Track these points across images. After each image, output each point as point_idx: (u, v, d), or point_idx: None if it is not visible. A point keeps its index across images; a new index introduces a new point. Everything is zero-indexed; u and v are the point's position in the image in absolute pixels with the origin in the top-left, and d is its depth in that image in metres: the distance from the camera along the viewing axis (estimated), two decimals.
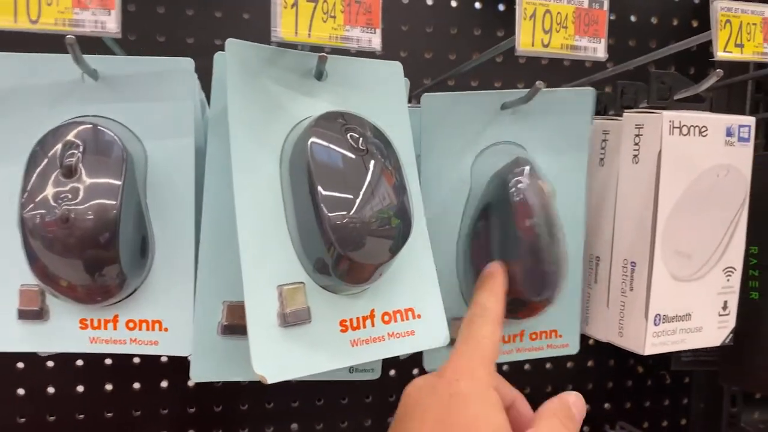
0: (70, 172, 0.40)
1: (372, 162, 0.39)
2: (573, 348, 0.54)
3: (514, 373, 0.80)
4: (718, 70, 0.47)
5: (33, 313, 0.43)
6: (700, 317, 0.51)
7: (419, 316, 0.43)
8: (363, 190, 0.38)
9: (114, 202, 0.40)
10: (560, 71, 0.77)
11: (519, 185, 0.44)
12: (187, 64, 0.43)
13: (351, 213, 0.37)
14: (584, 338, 0.82)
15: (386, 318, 0.42)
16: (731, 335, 0.53)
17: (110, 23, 0.35)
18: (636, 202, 0.50)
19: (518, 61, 0.76)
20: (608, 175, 0.53)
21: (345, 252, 0.37)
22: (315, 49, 0.41)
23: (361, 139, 0.40)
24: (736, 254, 0.52)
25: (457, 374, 0.36)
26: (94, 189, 0.40)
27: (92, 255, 0.41)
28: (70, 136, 0.41)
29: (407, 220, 0.40)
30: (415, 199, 0.44)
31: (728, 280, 0.52)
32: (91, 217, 0.40)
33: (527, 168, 0.45)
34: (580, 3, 0.41)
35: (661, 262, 0.49)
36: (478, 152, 0.50)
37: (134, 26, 0.65)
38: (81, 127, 0.41)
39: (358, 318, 0.41)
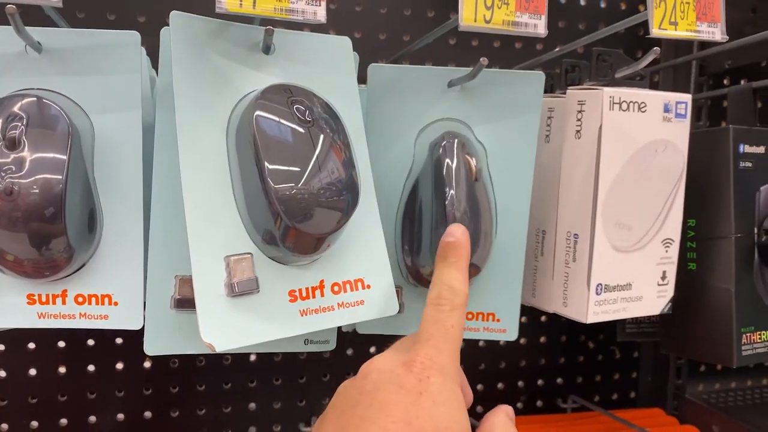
0: (13, 145, 0.40)
1: (318, 134, 0.40)
2: (511, 334, 0.54)
3: (466, 348, 0.82)
4: (655, 48, 0.49)
5: None
6: (640, 287, 0.53)
7: (369, 287, 0.44)
8: (309, 162, 0.39)
9: (59, 176, 0.40)
10: (512, 53, 0.78)
11: (441, 158, 0.46)
12: (133, 36, 0.43)
13: (297, 185, 0.38)
14: (537, 315, 0.85)
15: (336, 288, 0.43)
16: (670, 304, 0.55)
17: None
18: (578, 176, 0.51)
19: (471, 44, 0.77)
20: (553, 151, 0.54)
21: (291, 223, 0.38)
22: (264, 22, 0.42)
23: (307, 111, 0.40)
24: (674, 226, 0.54)
25: (427, 369, 0.34)
26: (39, 162, 0.40)
27: (38, 228, 0.40)
28: (14, 108, 0.40)
29: (354, 192, 0.40)
30: (364, 171, 0.45)
31: (667, 251, 0.54)
32: (36, 190, 0.40)
33: (455, 142, 0.46)
34: None
35: (602, 233, 0.50)
36: (422, 127, 0.51)
37: (83, 4, 0.64)
38: (24, 100, 0.41)
39: (307, 288, 0.42)
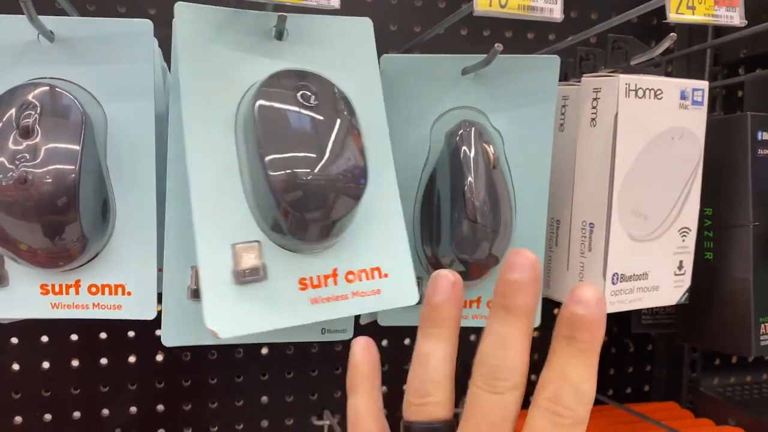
0: (27, 133, 0.40)
1: (323, 120, 0.40)
2: (535, 320, 0.54)
3: (478, 338, 0.81)
4: (672, 33, 0.48)
5: None
6: (657, 276, 0.53)
7: (386, 275, 0.43)
8: (311, 148, 0.39)
9: (73, 166, 0.40)
10: (524, 43, 0.78)
11: (459, 146, 0.46)
12: (145, 25, 0.43)
13: (297, 172, 0.38)
14: (550, 307, 0.84)
15: (350, 277, 0.42)
16: (687, 294, 0.54)
17: None
18: (594, 164, 0.51)
19: (483, 34, 0.76)
20: (568, 139, 0.54)
21: (292, 210, 0.38)
22: (278, 8, 0.41)
23: (312, 96, 0.40)
24: (690, 215, 0.53)
25: None
26: (52, 151, 0.40)
27: (52, 218, 0.40)
28: (27, 97, 0.40)
29: (360, 178, 0.40)
30: (384, 157, 0.44)
31: (683, 240, 0.53)
32: (50, 179, 0.40)
33: (472, 130, 0.46)
34: None
35: (618, 222, 0.50)
36: (437, 116, 0.51)
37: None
38: (38, 89, 0.41)
39: (318, 276, 0.41)
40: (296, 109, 0.40)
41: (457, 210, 0.46)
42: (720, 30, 0.46)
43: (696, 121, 0.52)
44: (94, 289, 0.44)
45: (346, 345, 0.70)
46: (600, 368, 0.78)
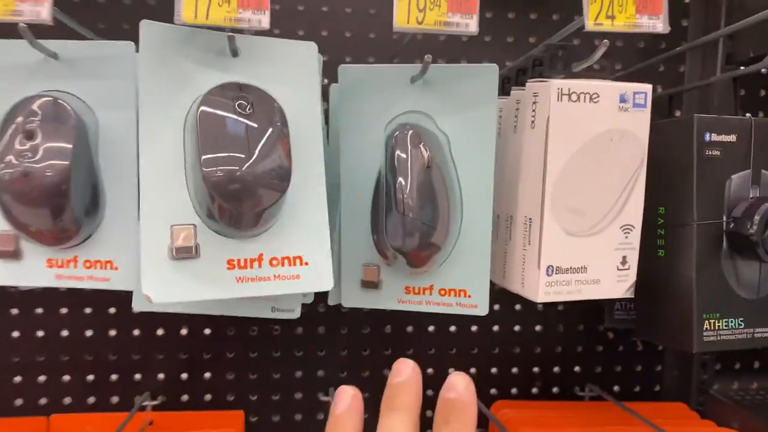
0: (30, 136, 0.50)
1: (254, 126, 0.47)
2: (482, 309, 0.58)
3: (481, 330, 0.85)
4: (605, 40, 0.51)
5: (9, 253, 0.53)
6: (597, 270, 0.55)
7: (307, 264, 0.50)
8: (242, 150, 0.46)
9: (66, 162, 0.50)
10: (548, 24, 0.80)
11: (394, 148, 0.51)
12: (128, 47, 0.52)
13: (227, 169, 0.45)
14: (554, 303, 0.86)
15: (274, 262, 0.49)
16: (632, 288, 0.56)
17: (44, 13, 0.43)
18: (532, 163, 0.55)
19: (508, 17, 0.80)
20: (519, 140, 0.58)
21: (220, 201, 0.45)
22: (236, 30, 0.49)
23: (249, 106, 0.47)
24: (634, 213, 0.55)
25: None
26: (49, 150, 0.50)
27: (49, 204, 0.50)
28: (32, 107, 0.50)
29: (282, 177, 0.47)
30: (315, 162, 0.51)
31: (626, 236, 0.56)
32: (48, 172, 0.49)
33: (408, 133, 0.51)
34: None
35: (551, 218, 0.53)
36: (389, 119, 0.56)
37: (104, 16, 0.74)
38: (41, 100, 0.51)
39: (246, 259, 0.49)
40: (233, 116, 0.47)
41: (390, 205, 0.52)
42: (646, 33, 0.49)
43: (638, 123, 0.54)
44: (88, 264, 0.54)
45: (352, 330, 0.77)
46: (606, 365, 0.80)
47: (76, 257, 0.54)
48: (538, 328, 0.88)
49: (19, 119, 0.50)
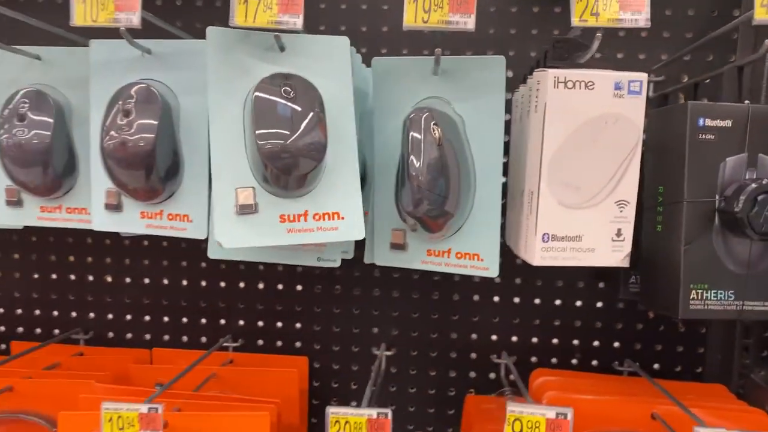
0: (127, 114, 0.64)
1: (296, 107, 0.58)
2: (492, 272, 0.67)
3: (524, 307, 0.92)
4: (598, 34, 0.58)
5: (113, 206, 0.69)
6: (592, 240, 0.62)
7: (343, 218, 0.61)
8: (286, 126, 0.57)
9: (152, 135, 0.64)
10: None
11: (408, 129, 0.60)
12: (200, 44, 0.65)
13: (275, 141, 0.57)
14: (594, 281, 0.92)
15: (316, 217, 0.61)
16: (627, 258, 0.62)
17: (135, 20, 0.57)
18: (534, 143, 0.62)
19: (554, 11, 0.87)
20: (528, 123, 0.65)
21: (271, 167, 0.57)
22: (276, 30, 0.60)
23: (292, 91, 0.58)
24: (628, 189, 0.61)
25: None
26: (141, 125, 0.64)
27: (139, 167, 0.64)
28: (129, 91, 0.65)
29: (319, 148, 0.58)
30: (346, 136, 0.62)
31: (621, 211, 0.62)
32: (140, 143, 0.64)
33: (422, 116, 0.60)
34: None
35: (547, 191, 0.61)
36: (415, 103, 0.66)
37: (180, 16, 0.89)
38: (136, 86, 0.65)
39: (294, 215, 0.60)
40: (280, 99, 0.59)
41: (404, 177, 0.62)
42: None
43: (632, 108, 0.60)
44: (170, 216, 0.68)
45: (404, 294, 0.86)
46: (647, 343, 0.85)
47: (161, 211, 0.68)
48: (578, 303, 0.93)
49: (120, 101, 0.64)
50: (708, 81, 0.79)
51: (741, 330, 0.88)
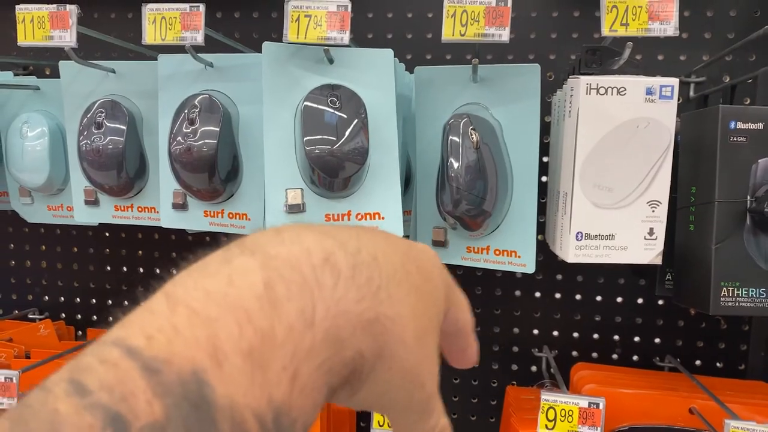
0: (192, 122, 0.71)
1: (342, 116, 0.63)
2: (529, 268, 0.71)
3: (565, 302, 0.95)
4: (629, 42, 0.61)
5: (180, 205, 0.75)
6: (625, 238, 0.65)
7: (383, 218, 0.66)
8: (331, 134, 0.62)
9: (214, 141, 0.70)
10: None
11: (447, 134, 0.64)
12: (258, 58, 0.70)
13: (322, 147, 0.62)
14: (635, 278, 0.94)
15: (359, 217, 0.66)
16: (659, 256, 0.65)
17: (199, 38, 0.63)
18: (568, 146, 0.65)
19: (551, 37, 0.90)
20: (564, 126, 0.68)
21: (318, 171, 0.62)
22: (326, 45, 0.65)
23: (338, 101, 0.63)
24: (660, 191, 0.64)
25: None
26: (204, 132, 0.70)
27: (202, 170, 0.71)
28: (194, 102, 0.71)
29: (361, 154, 0.63)
30: (389, 143, 0.66)
31: (653, 210, 0.64)
32: (203, 148, 0.70)
33: (461, 121, 0.65)
34: (489, 3, 0.60)
35: (581, 192, 0.64)
36: (454, 109, 0.70)
37: (239, 29, 0.95)
38: (200, 96, 0.71)
39: (338, 214, 0.65)
40: (327, 108, 0.64)
41: (444, 179, 0.66)
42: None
43: (664, 112, 0.63)
44: (231, 215, 0.74)
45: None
46: (688, 339, 0.88)
47: (223, 210, 0.75)
48: (619, 299, 0.95)
49: (185, 110, 0.71)
50: (750, 81, 0.80)
51: None
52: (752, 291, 0.63)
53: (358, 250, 0.22)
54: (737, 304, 0.63)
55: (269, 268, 0.20)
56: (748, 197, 0.63)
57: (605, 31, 0.58)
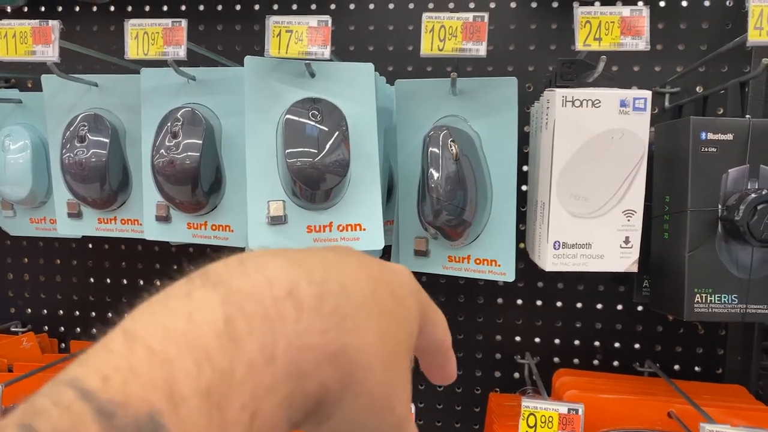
0: (175, 135, 0.71)
1: (323, 129, 0.64)
2: (509, 276, 0.72)
3: (546, 309, 0.97)
4: (602, 56, 0.62)
5: (163, 218, 0.76)
6: (601, 247, 0.66)
7: (364, 229, 0.67)
8: (312, 146, 0.63)
9: (197, 154, 0.71)
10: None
11: (428, 146, 0.66)
12: (240, 71, 0.71)
13: (303, 159, 0.63)
14: (615, 285, 0.95)
15: (340, 228, 0.67)
16: (635, 264, 0.66)
17: (181, 52, 0.64)
18: (545, 157, 0.67)
19: (529, 49, 0.92)
20: (542, 138, 0.70)
21: (299, 183, 0.63)
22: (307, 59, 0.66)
23: (319, 114, 0.64)
24: (635, 200, 0.65)
25: None
26: (187, 144, 0.71)
27: (186, 183, 0.71)
28: (177, 115, 0.72)
29: (342, 166, 0.64)
30: (369, 155, 0.67)
31: (629, 220, 0.66)
32: (186, 161, 0.71)
33: (440, 133, 0.66)
34: (466, 18, 0.61)
35: (557, 202, 0.65)
36: (435, 121, 0.71)
37: (222, 41, 0.96)
38: (182, 109, 0.72)
39: (320, 225, 0.66)
40: (309, 122, 0.65)
41: (425, 190, 0.67)
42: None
43: (638, 123, 0.64)
44: (214, 227, 0.75)
45: (430, 296, 0.91)
46: (667, 345, 0.90)
47: (206, 222, 0.75)
48: (599, 306, 0.97)
49: (168, 123, 0.72)
50: (722, 92, 0.82)
51: (760, 332, 0.91)
52: (724, 297, 0.65)
53: (325, 279, 0.22)
54: (710, 310, 0.65)
55: (230, 303, 0.20)
56: (720, 206, 0.64)
57: (579, 45, 0.60)
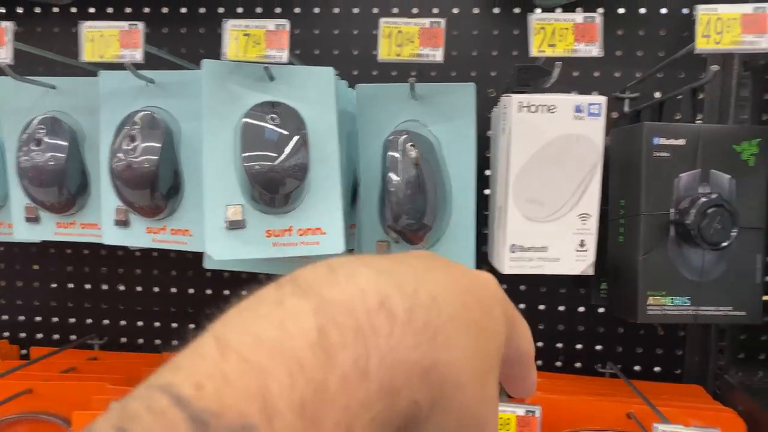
0: (132, 139, 0.71)
1: (281, 133, 0.64)
2: None
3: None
4: (558, 62, 0.63)
5: (122, 222, 0.75)
6: (557, 250, 0.67)
7: (324, 233, 0.67)
8: (270, 150, 0.63)
9: (155, 157, 0.70)
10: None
11: (387, 150, 0.66)
12: (197, 74, 0.71)
13: (261, 163, 0.63)
14: (576, 287, 0.97)
15: (300, 232, 0.67)
16: (591, 267, 0.67)
17: (138, 56, 0.64)
18: (502, 162, 0.68)
19: (492, 54, 0.93)
20: (500, 143, 0.71)
21: (257, 187, 0.63)
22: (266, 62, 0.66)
23: (278, 118, 0.64)
24: (590, 204, 0.66)
25: None
26: (145, 148, 0.70)
27: (144, 187, 0.71)
28: (134, 118, 0.71)
29: (301, 170, 0.64)
30: (329, 158, 0.67)
31: (584, 223, 0.67)
32: (144, 165, 0.70)
33: (399, 138, 0.66)
34: (423, 24, 0.61)
35: (514, 206, 0.66)
36: (395, 125, 0.72)
37: (185, 44, 0.95)
38: (141, 113, 0.72)
39: (279, 230, 0.66)
40: (267, 125, 0.65)
41: (385, 194, 0.67)
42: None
43: (593, 129, 0.65)
44: (173, 231, 0.74)
45: None
46: (627, 346, 0.91)
47: (165, 226, 0.75)
48: (561, 308, 0.98)
49: (127, 127, 0.71)
50: (679, 97, 0.84)
51: (716, 333, 0.93)
52: (676, 299, 0.66)
53: (416, 291, 0.21)
54: (663, 312, 0.66)
55: (323, 313, 0.19)
56: (672, 210, 0.66)
57: (534, 51, 0.61)
